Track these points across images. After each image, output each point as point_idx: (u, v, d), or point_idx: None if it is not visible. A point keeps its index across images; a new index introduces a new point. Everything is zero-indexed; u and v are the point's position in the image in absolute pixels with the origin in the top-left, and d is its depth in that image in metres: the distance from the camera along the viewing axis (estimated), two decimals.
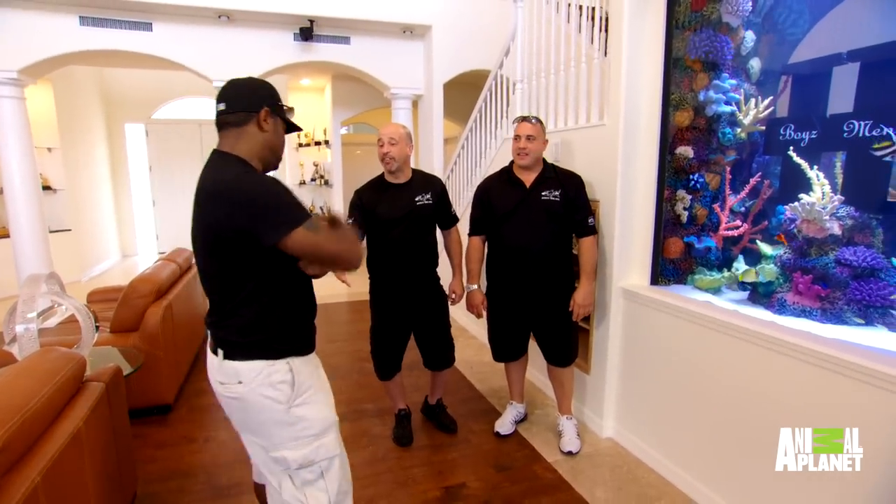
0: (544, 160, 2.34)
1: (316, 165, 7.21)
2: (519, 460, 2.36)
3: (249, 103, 1.27)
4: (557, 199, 2.23)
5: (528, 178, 2.29)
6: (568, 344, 2.41)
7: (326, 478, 1.33)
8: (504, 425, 2.58)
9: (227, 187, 1.19)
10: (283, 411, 1.27)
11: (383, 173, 2.33)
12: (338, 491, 1.35)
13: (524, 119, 2.29)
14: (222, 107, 1.27)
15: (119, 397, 1.91)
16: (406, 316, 2.39)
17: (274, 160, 1.35)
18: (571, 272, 2.36)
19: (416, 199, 2.28)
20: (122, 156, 7.75)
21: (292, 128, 1.38)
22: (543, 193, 2.24)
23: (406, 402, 2.63)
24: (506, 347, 2.51)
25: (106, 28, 4.23)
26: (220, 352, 1.26)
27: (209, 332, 1.33)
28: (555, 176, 2.29)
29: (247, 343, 1.25)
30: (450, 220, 2.45)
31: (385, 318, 2.39)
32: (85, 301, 3.84)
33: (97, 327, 2.44)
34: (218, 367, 1.29)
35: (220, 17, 4.41)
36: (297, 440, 1.29)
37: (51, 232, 5.54)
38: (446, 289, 2.49)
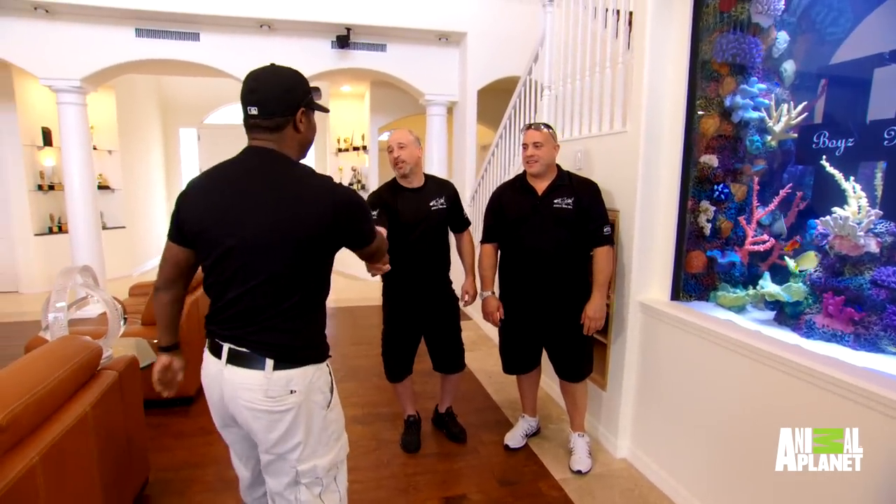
0: (559, 167, 2.28)
1: (354, 170, 7.36)
2: (525, 475, 2.29)
3: (287, 107, 1.19)
4: (570, 206, 2.15)
5: (541, 186, 2.23)
6: (580, 358, 2.31)
7: (338, 479, 1.34)
8: (514, 438, 2.52)
9: (327, 191, 1.19)
10: (323, 416, 1.27)
11: (395, 178, 2.34)
12: (345, 488, 1.37)
13: (531, 126, 2.25)
14: (254, 111, 1.18)
15: (133, 386, 2.00)
16: (418, 318, 2.40)
17: (304, 153, 1.31)
18: (587, 283, 2.25)
19: (431, 203, 2.30)
20: (175, 158, 8.22)
21: (321, 110, 1.31)
22: (556, 201, 2.18)
23: (416, 409, 2.61)
24: (516, 359, 2.44)
25: (159, 39, 4.51)
26: (270, 361, 1.17)
27: (237, 339, 1.19)
28: (569, 183, 2.21)
29: (299, 348, 1.22)
30: (462, 224, 2.45)
31: (397, 320, 2.41)
32: (127, 294, 4.08)
33: (125, 319, 2.58)
34: (261, 381, 1.18)
35: (261, 26, 4.61)
36: (326, 445, 1.28)
37: (107, 228, 5.97)
38: (458, 292, 2.47)
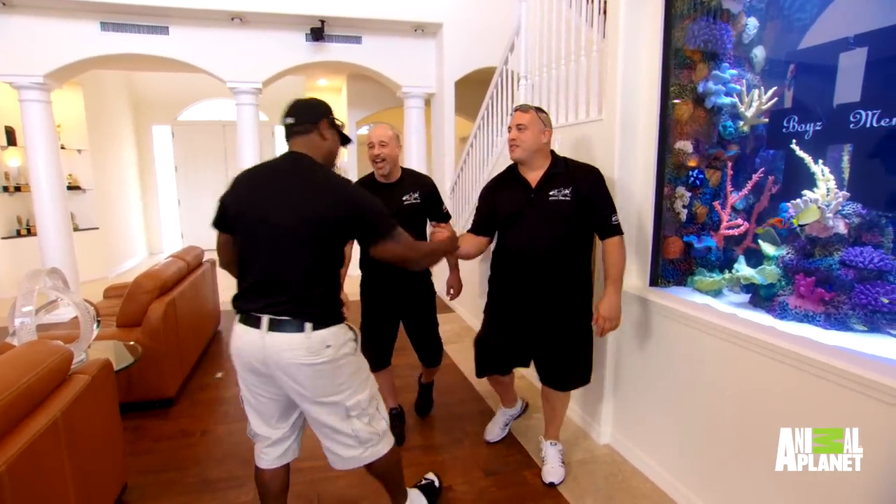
0: (554, 153, 2.05)
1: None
2: (510, 465, 2.31)
3: (313, 116, 1.54)
4: (568, 198, 1.93)
5: (534, 177, 2.00)
6: (572, 367, 2.10)
7: (379, 408, 1.63)
8: (492, 432, 2.48)
9: (348, 194, 1.48)
10: (353, 361, 1.55)
11: (373, 172, 2.32)
12: (387, 415, 1.67)
13: (518, 108, 2.04)
14: (291, 120, 1.54)
15: (108, 390, 1.95)
16: (392, 311, 2.42)
17: (332, 163, 1.62)
18: (588, 283, 2.08)
19: (404, 198, 2.29)
20: (149, 157, 8.02)
21: (345, 140, 1.63)
22: (552, 193, 1.95)
23: (398, 401, 2.61)
24: (495, 360, 2.21)
25: (126, 33, 4.37)
26: (309, 325, 1.44)
27: (275, 310, 1.44)
28: (565, 171, 1.98)
29: (328, 313, 1.49)
30: (442, 218, 2.42)
31: (371, 312, 2.42)
32: (102, 296, 3.98)
33: (98, 322, 2.51)
34: (303, 341, 1.43)
35: (233, 19, 4.50)
36: (362, 383, 1.57)
37: (79, 230, 5.80)
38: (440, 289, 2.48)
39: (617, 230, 1.97)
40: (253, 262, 1.49)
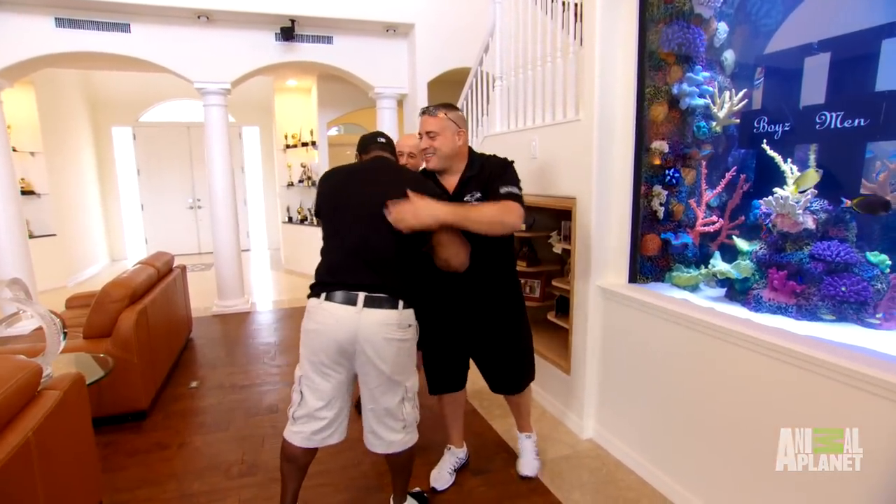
0: (471, 152, 1.92)
1: (304, 167, 7.15)
2: (497, 463, 2.32)
3: (392, 148, 1.89)
4: (480, 200, 1.83)
5: (451, 182, 1.89)
6: (515, 370, 2.08)
7: (416, 397, 1.76)
8: (442, 478, 2.15)
9: (413, 184, 1.66)
10: (413, 346, 1.70)
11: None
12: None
13: (423, 112, 1.86)
14: (383, 140, 1.85)
15: (80, 405, 1.86)
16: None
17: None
18: (515, 286, 2.04)
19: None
20: (109, 159, 7.69)
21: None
22: (466, 198, 1.85)
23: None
24: (441, 377, 2.09)
25: (82, 29, 4.16)
26: (402, 302, 1.59)
27: (372, 286, 1.58)
28: (478, 173, 1.87)
29: (412, 295, 1.64)
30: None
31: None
32: (64, 307, 3.79)
33: (65, 334, 2.38)
34: (397, 317, 1.58)
35: (199, 17, 4.35)
36: (415, 368, 1.74)
37: (34, 237, 5.51)
38: None
39: (508, 196, 1.76)
40: (347, 238, 1.62)
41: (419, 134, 1.90)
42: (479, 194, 1.83)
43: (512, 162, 1.93)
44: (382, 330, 1.56)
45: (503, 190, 1.77)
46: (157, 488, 2.18)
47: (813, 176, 1.68)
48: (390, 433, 1.69)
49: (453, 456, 2.24)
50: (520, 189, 1.84)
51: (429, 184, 1.77)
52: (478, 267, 1.84)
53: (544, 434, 2.52)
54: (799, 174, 1.72)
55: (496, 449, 2.43)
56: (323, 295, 1.60)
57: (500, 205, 1.72)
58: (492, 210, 1.71)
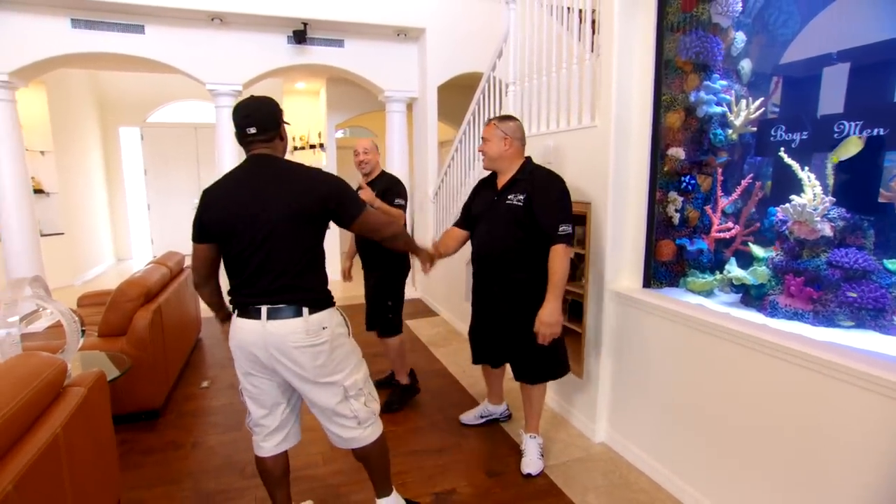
0: (529, 161, 2.20)
1: None
2: (511, 465, 2.33)
3: (273, 124, 1.61)
4: (520, 203, 2.06)
5: (502, 181, 2.18)
6: (538, 362, 2.20)
7: (372, 390, 1.74)
8: (468, 416, 2.65)
9: (321, 179, 1.59)
10: (349, 343, 1.68)
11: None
12: (377, 396, 1.78)
13: (487, 121, 2.23)
14: (253, 130, 1.57)
15: (102, 403, 1.88)
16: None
17: (285, 153, 1.72)
18: (544, 285, 2.08)
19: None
20: (116, 159, 7.72)
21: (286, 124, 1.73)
22: (509, 198, 2.10)
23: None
24: (480, 353, 2.41)
25: (98, 30, 4.21)
26: (306, 309, 1.55)
27: (272, 300, 1.54)
28: (527, 178, 2.11)
29: (321, 297, 1.61)
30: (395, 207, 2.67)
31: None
32: (75, 305, 3.81)
33: (83, 331, 2.40)
34: (302, 325, 1.54)
35: (212, 19, 4.40)
36: (358, 363, 1.70)
37: (43, 235, 5.52)
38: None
39: (562, 239, 2.00)
40: (246, 259, 1.55)
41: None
42: (521, 196, 2.07)
43: (561, 180, 2.14)
44: (289, 339, 1.54)
45: (561, 231, 2.01)
46: (173, 486, 2.19)
47: (856, 143, 1.58)
48: (345, 430, 1.68)
49: (485, 407, 2.65)
50: (568, 204, 2.09)
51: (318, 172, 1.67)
52: (507, 264, 2.11)
53: (557, 437, 2.54)
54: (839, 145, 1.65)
55: (510, 451, 2.45)
56: (236, 311, 1.62)
57: (560, 258, 2.01)
58: (561, 267, 2.01)
